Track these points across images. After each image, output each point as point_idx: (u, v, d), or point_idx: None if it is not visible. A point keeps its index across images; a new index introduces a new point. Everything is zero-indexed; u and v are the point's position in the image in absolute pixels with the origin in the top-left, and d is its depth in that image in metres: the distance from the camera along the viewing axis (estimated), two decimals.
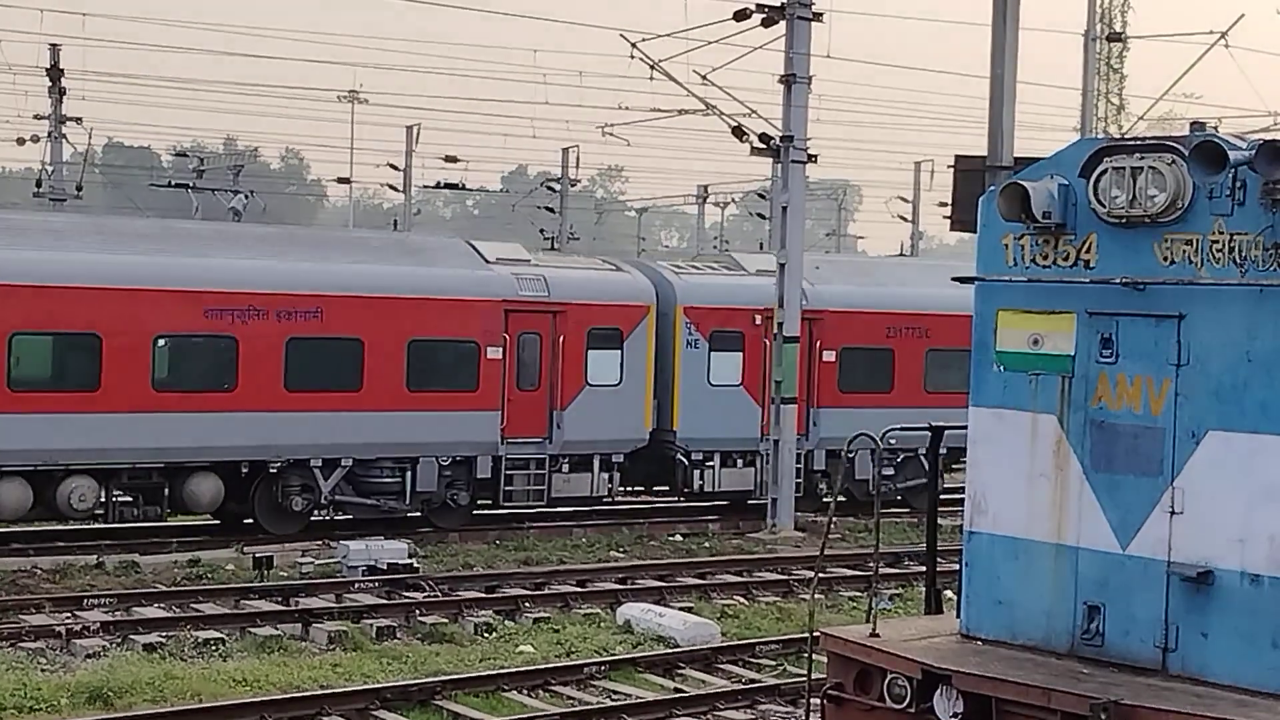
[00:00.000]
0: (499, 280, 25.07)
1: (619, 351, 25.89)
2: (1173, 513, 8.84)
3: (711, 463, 26.87)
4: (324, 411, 23.62)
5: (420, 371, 24.22)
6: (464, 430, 24.58)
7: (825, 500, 27.08)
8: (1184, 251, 8.85)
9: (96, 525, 24.95)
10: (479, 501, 25.62)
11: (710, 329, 26.82)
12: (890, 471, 28.07)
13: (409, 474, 24.38)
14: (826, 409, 27.57)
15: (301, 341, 23.43)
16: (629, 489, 27.87)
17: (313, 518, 24.60)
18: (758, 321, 26.90)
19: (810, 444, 27.40)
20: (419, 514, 25.16)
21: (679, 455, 26.65)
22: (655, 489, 28.55)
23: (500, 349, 24.79)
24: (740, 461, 27.13)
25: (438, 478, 24.56)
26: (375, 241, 27.36)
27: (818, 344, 27.52)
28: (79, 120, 46.17)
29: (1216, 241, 8.73)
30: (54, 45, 45.14)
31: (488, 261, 25.43)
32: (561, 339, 25.34)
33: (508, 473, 25.08)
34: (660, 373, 26.48)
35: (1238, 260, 8.64)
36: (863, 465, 27.98)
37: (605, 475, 26.10)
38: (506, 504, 25.44)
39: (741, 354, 27.10)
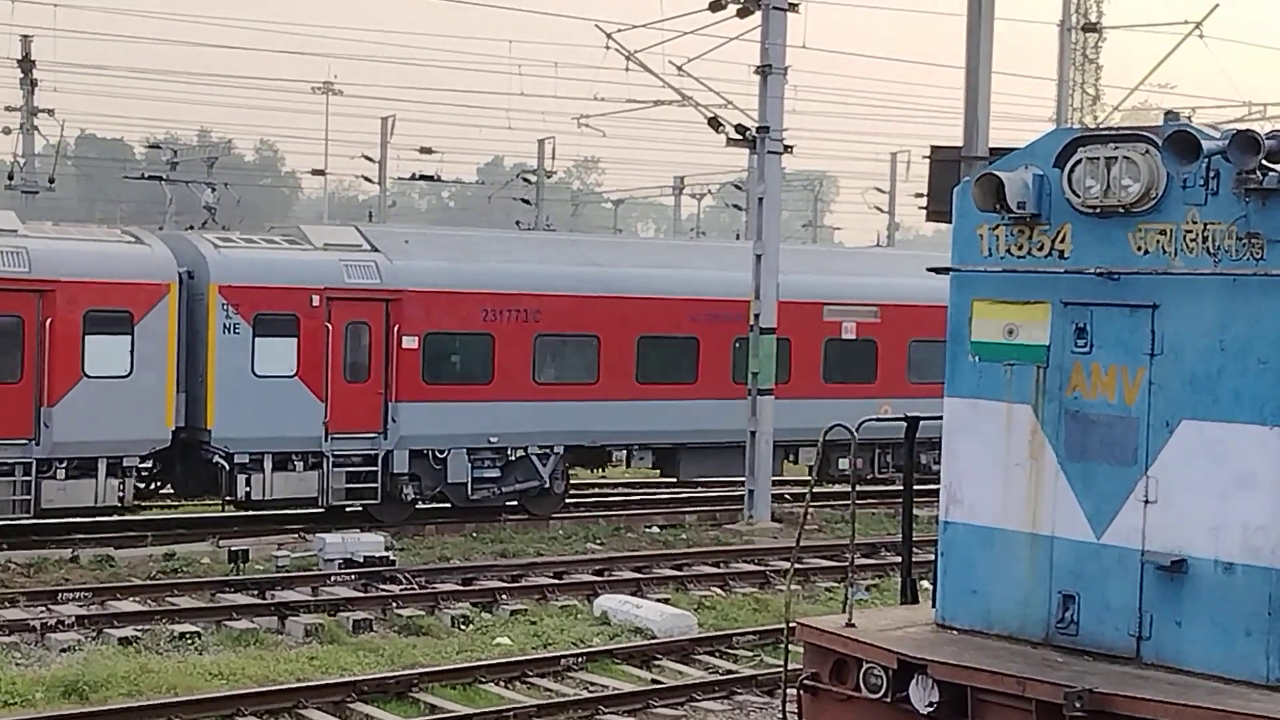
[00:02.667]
0: None
1: (128, 337, 22.52)
2: (1147, 502, 8.87)
3: (261, 467, 23.55)
4: None
5: None
6: None
7: (414, 505, 25.04)
8: (1158, 241, 8.87)
9: (70, 520, 24.89)
10: None
11: (254, 312, 23.32)
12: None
13: None
14: (409, 403, 24.40)
15: None
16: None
17: None
18: (316, 303, 23.68)
19: (389, 443, 24.29)
20: None
21: (217, 458, 23.32)
22: (201, 498, 25.65)
23: None
24: (300, 464, 23.86)
25: None
26: None
27: (396, 328, 24.22)
28: (51, 112, 45.98)
29: (1190, 231, 8.75)
30: (25, 36, 44.92)
31: None
32: (49, 323, 21.91)
33: None
34: (191, 362, 23.28)
35: (1211, 250, 8.67)
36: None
37: (115, 482, 22.58)
38: None
39: (296, 340, 23.66)
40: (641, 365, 26.44)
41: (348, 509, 24.85)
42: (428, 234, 27.91)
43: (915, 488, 10.76)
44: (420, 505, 25.75)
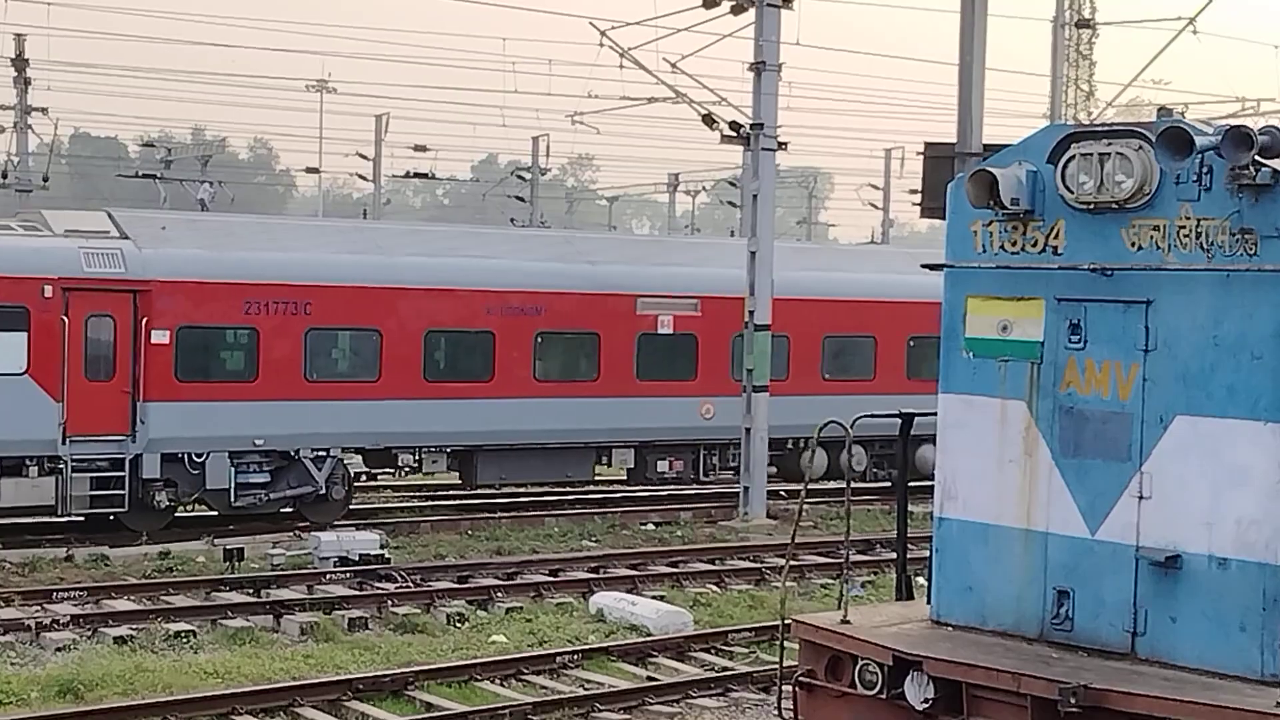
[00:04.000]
0: None
1: None
2: (1141, 497, 8.88)
3: None
4: None
5: None
6: None
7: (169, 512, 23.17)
8: (1151, 237, 8.88)
9: (64, 519, 24.84)
10: None
11: None
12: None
13: None
14: (160, 403, 22.43)
15: None
16: None
17: None
18: (49, 294, 21.69)
19: (138, 447, 22.29)
20: None
21: None
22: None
23: None
24: (35, 470, 21.82)
25: None
26: None
27: (144, 322, 22.26)
28: (45, 111, 45.89)
29: (1183, 227, 8.76)
30: (19, 35, 44.84)
31: None
32: None
33: None
34: None
35: (1204, 246, 8.68)
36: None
37: None
38: None
39: (27, 335, 21.71)
40: (430, 361, 24.57)
41: (104, 517, 22.99)
42: (193, 220, 25.83)
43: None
44: (180, 514, 24.05)
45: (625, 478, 27.96)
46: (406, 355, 24.30)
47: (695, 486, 28.68)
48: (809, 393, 27.05)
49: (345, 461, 24.41)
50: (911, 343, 28.38)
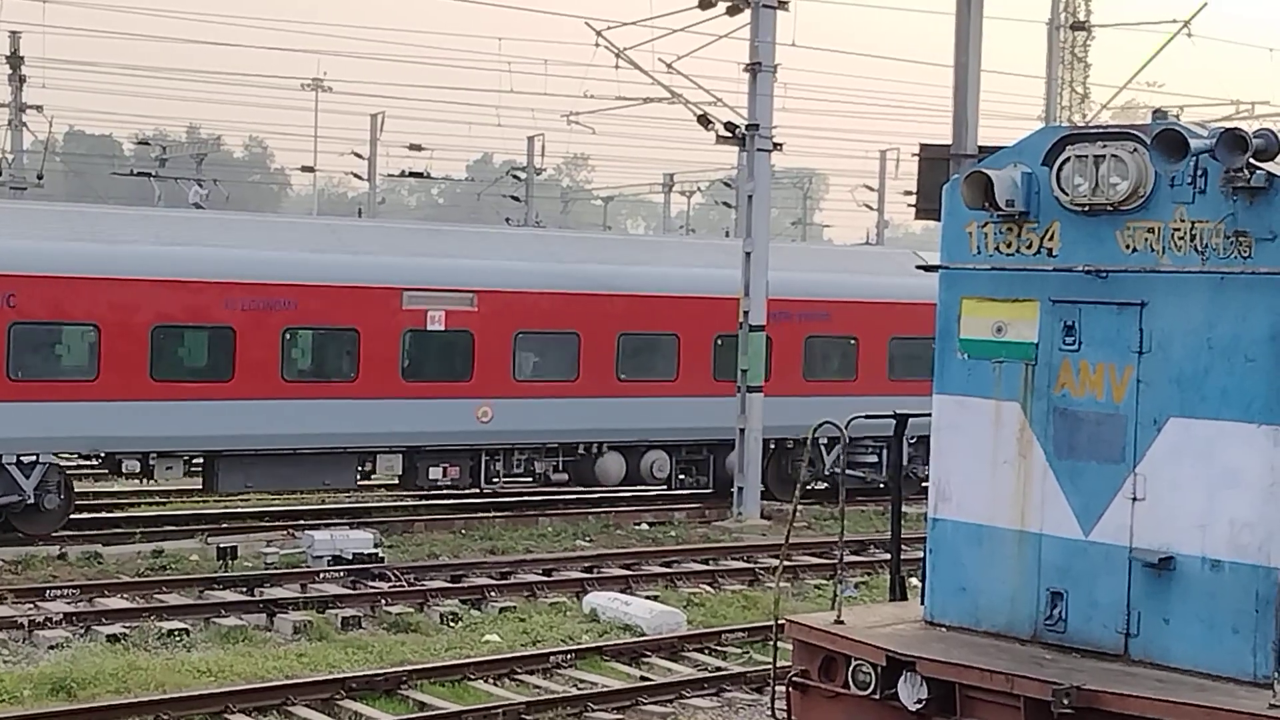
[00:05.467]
0: None
1: None
2: (1134, 499, 8.89)
3: None
4: None
5: None
6: None
7: None
8: (1146, 239, 8.89)
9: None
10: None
11: None
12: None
13: None
14: None
15: None
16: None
17: None
18: None
19: None
20: None
21: None
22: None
23: None
24: None
25: None
26: None
27: None
28: (39, 108, 45.85)
29: (1178, 229, 8.78)
30: (14, 32, 44.81)
31: None
32: None
33: None
34: None
35: (1199, 248, 8.69)
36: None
37: None
38: None
39: None
40: (158, 359, 22.57)
41: None
42: None
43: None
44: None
45: (398, 484, 25.94)
46: (129, 352, 22.36)
47: (691, 487, 28.38)
48: (606, 394, 25.94)
49: (61, 467, 22.68)
50: (719, 341, 26.73)
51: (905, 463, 27.52)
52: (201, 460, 23.79)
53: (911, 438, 28.33)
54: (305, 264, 23.77)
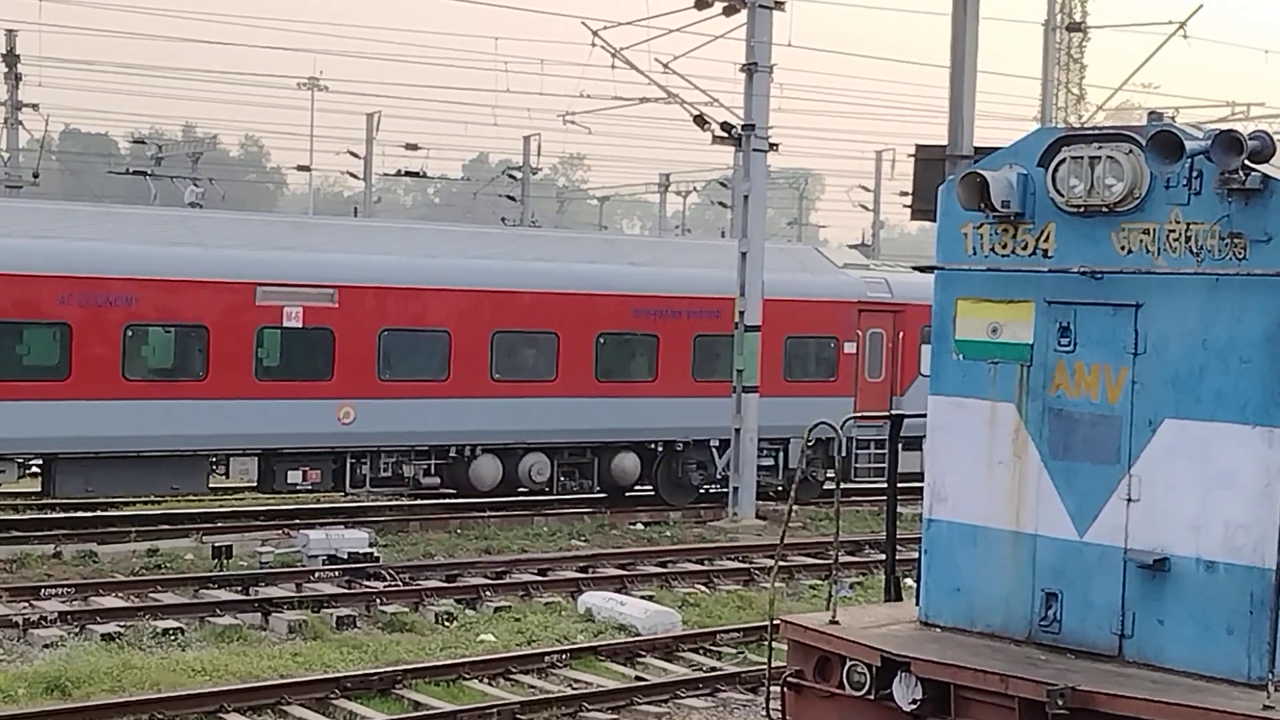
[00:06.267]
0: None
1: None
2: (1129, 500, 8.90)
3: None
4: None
5: None
6: None
7: None
8: (1141, 241, 8.90)
9: (53, 515, 24.85)
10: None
11: None
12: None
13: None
14: None
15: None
16: None
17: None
18: None
19: None
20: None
21: None
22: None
23: None
24: None
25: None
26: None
27: None
28: (35, 106, 45.82)
29: (1173, 231, 8.78)
30: (10, 30, 44.77)
31: None
32: None
33: None
34: None
35: (1194, 249, 8.70)
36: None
37: None
38: None
39: None
40: None
41: None
42: None
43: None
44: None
45: (257, 486, 24.75)
46: None
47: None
48: (478, 395, 25.06)
49: None
50: (602, 340, 26.09)
51: (806, 465, 27.58)
52: (40, 463, 22.85)
53: (811, 440, 28.22)
54: (148, 257, 22.63)
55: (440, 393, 24.74)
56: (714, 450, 27.19)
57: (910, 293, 29.15)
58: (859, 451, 27.97)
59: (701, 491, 27.65)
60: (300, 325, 23.58)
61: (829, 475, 27.49)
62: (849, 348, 28.65)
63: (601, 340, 26.09)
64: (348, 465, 24.33)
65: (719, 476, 27.37)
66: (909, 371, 29.26)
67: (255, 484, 24.42)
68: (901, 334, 29.33)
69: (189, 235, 23.46)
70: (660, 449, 26.97)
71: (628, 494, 27.56)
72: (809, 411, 27.79)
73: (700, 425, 26.94)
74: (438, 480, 25.31)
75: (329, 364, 23.87)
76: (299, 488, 24.26)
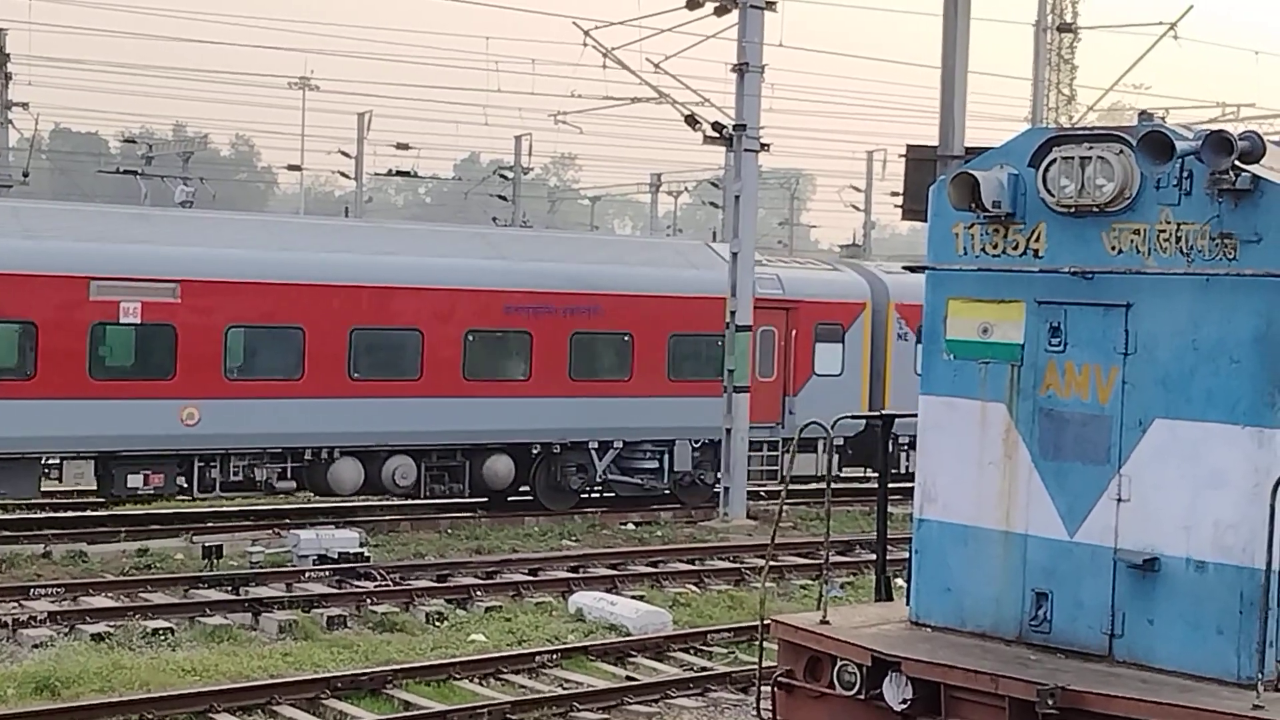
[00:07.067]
0: None
1: None
2: (1119, 500, 8.91)
3: None
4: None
5: None
6: None
7: None
8: (1131, 241, 8.91)
9: (42, 515, 24.81)
10: None
11: None
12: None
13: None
14: None
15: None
16: None
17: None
18: None
19: None
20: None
21: None
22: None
23: None
24: None
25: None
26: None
27: None
28: (25, 105, 45.71)
29: (1163, 231, 8.80)
30: (0, 29, 44.65)
31: None
32: None
33: None
34: None
35: (1184, 250, 8.72)
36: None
37: None
38: None
39: None
40: None
41: None
42: None
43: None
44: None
45: (97, 490, 23.91)
46: None
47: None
48: (336, 395, 23.88)
49: None
50: (471, 338, 24.96)
51: (693, 468, 26.79)
52: None
53: (697, 442, 25.61)
54: None
55: (293, 392, 23.51)
56: (593, 453, 26.18)
57: (804, 289, 28.34)
58: (750, 454, 26.83)
59: (582, 496, 26.60)
60: (139, 321, 22.36)
61: (719, 477, 26.55)
62: None
63: (470, 338, 24.95)
64: (194, 468, 23.09)
65: (600, 480, 26.49)
66: (802, 370, 28.42)
67: (95, 488, 23.57)
68: (795, 332, 28.27)
69: (16, 226, 22.22)
70: (537, 452, 25.78)
71: (509, 499, 26.53)
72: (696, 412, 26.91)
73: (578, 427, 25.84)
74: (293, 484, 24.14)
75: (171, 362, 22.66)
76: (140, 492, 23.06)
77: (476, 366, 24.99)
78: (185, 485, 23.22)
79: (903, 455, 27.07)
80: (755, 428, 26.89)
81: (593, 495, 27.16)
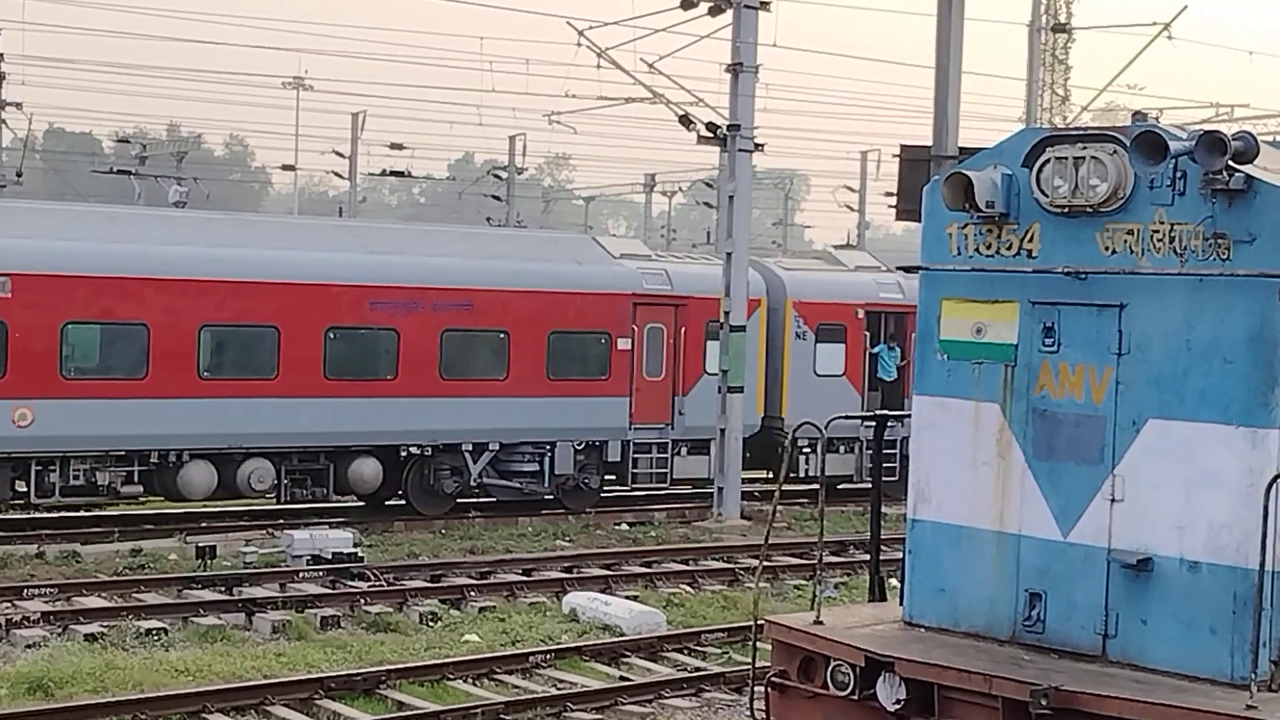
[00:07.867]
0: None
1: None
2: (1113, 500, 8.91)
3: None
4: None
5: None
6: None
7: None
8: (1125, 241, 8.92)
9: (37, 515, 24.77)
10: None
11: None
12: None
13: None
14: None
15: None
16: None
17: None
18: None
19: None
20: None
21: None
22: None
23: None
24: None
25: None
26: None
27: None
28: (19, 105, 45.71)
29: (1157, 231, 8.80)
30: None
31: None
32: None
33: None
34: None
35: (1178, 250, 8.72)
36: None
37: None
38: None
39: None
40: None
41: None
42: None
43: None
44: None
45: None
46: None
47: (672, 487, 27.58)
48: (183, 395, 22.95)
49: None
50: (332, 335, 24.09)
51: (576, 471, 25.92)
52: None
53: (580, 444, 25.07)
54: None
55: (137, 392, 22.50)
56: (467, 455, 25.35)
57: (693, 285, 27.16)
58: (637, 456, 26.51)
59: (458, 501, 25.82)
60: None
61: (609, 479, 26.19)
62: (623, 344, 26.38)
63: (332, 335, 23.96)
64: (32, 472, 22.05)
65: (475, 484, 25.77)
66: (692, 370, 27.28)
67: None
68: (684, 329, 27.14)
69: None
70: (409, 454, 24.91)
71: (387, 503, 25.78)
72: (577, 413, 26.12)
73: (449, 428, 24.96)
74: (140, 488, 23.14)
75: (1, 361, 21.63)
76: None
77: (339, 365, 24.03)
78: (24, 490, 22.26)
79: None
80: (643, 429, 26.43)
81: (469, 500, 26.22)
